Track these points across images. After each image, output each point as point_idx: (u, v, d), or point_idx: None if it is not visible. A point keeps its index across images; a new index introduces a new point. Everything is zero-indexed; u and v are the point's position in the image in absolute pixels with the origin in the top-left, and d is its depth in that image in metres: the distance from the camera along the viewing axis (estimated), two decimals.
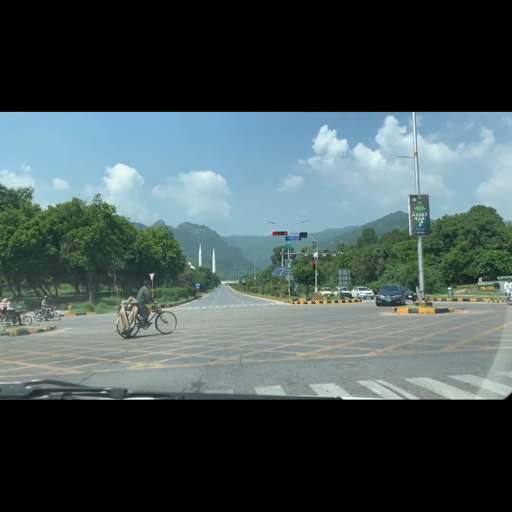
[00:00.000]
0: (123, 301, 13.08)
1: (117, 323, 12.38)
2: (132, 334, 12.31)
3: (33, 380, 1.51)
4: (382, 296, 26.23)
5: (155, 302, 14.23)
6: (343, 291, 45.45)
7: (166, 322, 13.03)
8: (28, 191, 62.01)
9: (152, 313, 13.28)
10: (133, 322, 12.31)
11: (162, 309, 13.73)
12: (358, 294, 45.74)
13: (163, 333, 12.48)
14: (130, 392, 1.37)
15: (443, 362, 6.58)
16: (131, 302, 12.62)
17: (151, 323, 12.98)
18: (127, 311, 12.27)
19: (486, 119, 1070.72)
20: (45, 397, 1.34)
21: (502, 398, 1.23)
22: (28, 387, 1.39)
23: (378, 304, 25.83)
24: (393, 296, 25.62)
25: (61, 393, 1.36)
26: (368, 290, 47.44)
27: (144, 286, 13.45)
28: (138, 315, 12.56)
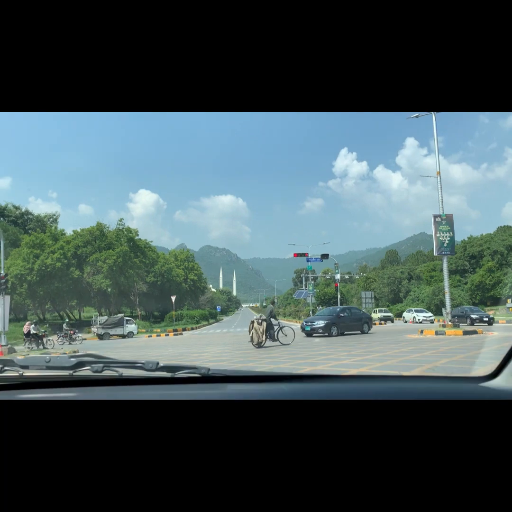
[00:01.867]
0: (255, 317, 15.47)
1: (251, 336, 14.53)
2: (262, 345, 14.26)
3: (76, 354, 1.76)
4: (303, 323, 20.16)
5: (278, 319, 15.80)
6: (383, 313, 40.39)
7: (285, 336, 14.96)
8: (54, 217, 63.90)
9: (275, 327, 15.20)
10: (264, 335, 14.42)
11: (283, 324, 15.77)
12: (413, 317, 38.02)
13: (283, 344, 14.44)
14: (161, 365, 1.53)
15: None
16: (261, 318, 14.84)
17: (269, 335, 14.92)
18: (259, 326, 14.42)
19: (509, 139, 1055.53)
20: (86, 368, 1.52)
21: None
22: (72, 359, 1.56)
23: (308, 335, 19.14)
24: (315, 324, 18.93)
25: (101, 365, 1.52)
26: (426, 312, 39.47)
27: (271, 305, 16.67)
28: (267, 329, 14.70)
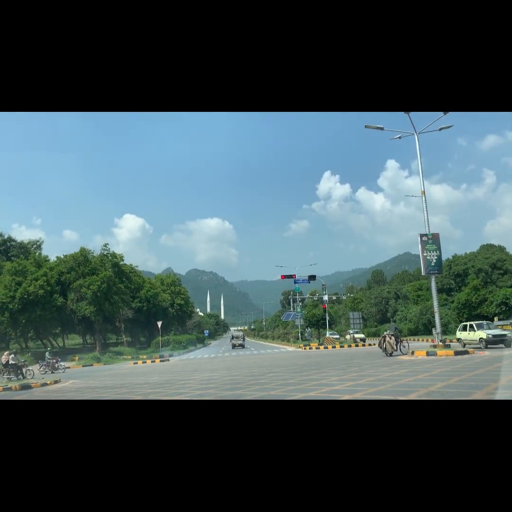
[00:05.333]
0: (386, 332, 20.23)
1: (385, 347, 18.84)
2: (392, 354, 18.60)
3: None
4: None
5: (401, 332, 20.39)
6: (491, 331, 21.29)
7: (404, 347, 19.44)
8: (38, 243, 62.78)
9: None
10: (395, 346, 18.88)
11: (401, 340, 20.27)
12: None
13: (403, 354, 18.68)
14: None
15: None
16: (390, 334, 19.34)
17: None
18: (390, 340, 18.86)
19: (486, 161, 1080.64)
20: None
21: None
22: None
23: None
24: None
25: None
26: None
27: (393, 323, 22.23)
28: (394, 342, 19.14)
